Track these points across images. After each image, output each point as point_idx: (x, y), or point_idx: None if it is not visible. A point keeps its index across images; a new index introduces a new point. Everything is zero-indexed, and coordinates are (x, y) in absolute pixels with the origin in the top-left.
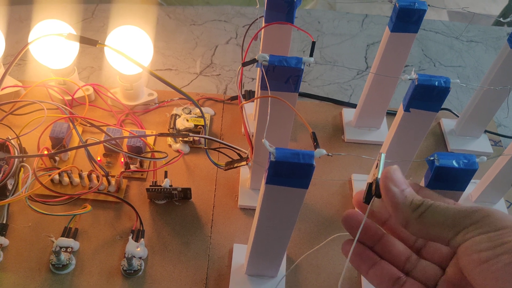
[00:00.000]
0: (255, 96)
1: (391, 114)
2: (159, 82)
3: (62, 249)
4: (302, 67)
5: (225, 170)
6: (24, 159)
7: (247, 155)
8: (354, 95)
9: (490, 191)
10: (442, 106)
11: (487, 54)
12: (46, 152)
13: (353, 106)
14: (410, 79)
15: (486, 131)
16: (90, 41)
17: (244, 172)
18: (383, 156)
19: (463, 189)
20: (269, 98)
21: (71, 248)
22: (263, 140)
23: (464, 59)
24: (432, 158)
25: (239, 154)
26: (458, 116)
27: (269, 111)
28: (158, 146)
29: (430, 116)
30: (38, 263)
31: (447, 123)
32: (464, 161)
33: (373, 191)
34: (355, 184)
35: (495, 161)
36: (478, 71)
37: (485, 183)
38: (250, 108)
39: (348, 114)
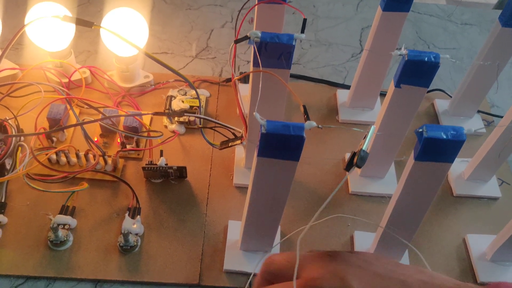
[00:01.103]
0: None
1: (385, 95)
2: (155, 65)
3: (59, 226)
4: (294, 43)
5: (220, 149)
6: (22, 138)
7: (241, 134)
8: (348, 77)
9: (481, 168)
10: (436, 87)
11: (481, 36)
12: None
13: (348, 87)
14: (400, 55)
15: (479, 111)
16: (86, 23)
17: (239, 151)
18: (372, 128)
19: (451, 161)
20: (261, 74)
21: (69, 225)
22: (254, 113)
23: (458, 41)
24: (420, 130)
25: (233, 134)
26: (451, 97)
27: (260, 85)
28: (154, 127)
29: (421, 92)
30: (36, 240)
31: (441, 104)
32: (452, 132)
33: (354, 161)
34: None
35: (486, 139)
36: (472, 53)
37: (476, 161)
38: (245, 90)
39: (343, 95)
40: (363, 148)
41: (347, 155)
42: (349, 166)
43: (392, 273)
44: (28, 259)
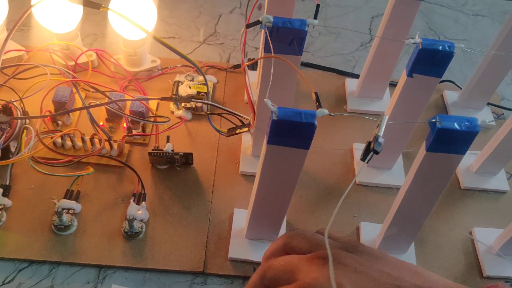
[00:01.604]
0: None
1: (394, 85)
2: (162, 50)
3: (64, 211)
4: (306, 29)
5: (227, 136)
6: (27, 121)
7: (249, 121)
8: (357, 67)
9: (490, 162)
10: (446, 78)
11: (493, 28)
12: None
13: (356, 76)
14: (414, 43)
15: (489, 104)
16: (94, 4)
17: (246, 139)
18: (385, 117)
19: (463, 152)
20: (272, 60)
21: (73, 210)
22: (265, 100)
23: (469, 33)
24: (434, 120)
25: (241, 121)
26: (461, 88)
27: (272, 71)
28: (160, 112)
29: (433, 82)
30: (40, 224)
31: (450, 95)
32: (466, 123)
33: (371, 146)
34: (357, 153)
35: (496, 132)
36: (483, 44)
37: (485, 154)
38: (253, 77)
39: (351, 85)
40: (379, 134)
41: (355, 145)
42: (366, 154)
43: (387, 278)
44: (32, 243)
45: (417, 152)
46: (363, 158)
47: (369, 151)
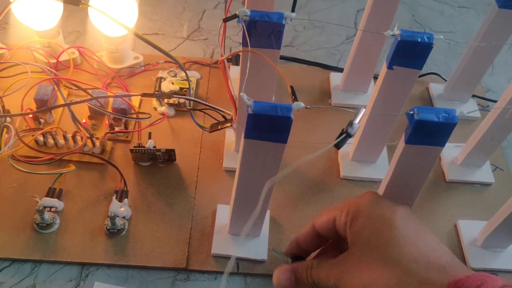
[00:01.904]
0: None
1: None
2: (145, 46)
3: (46, 209)
4: (284, 23)
5: (210, 132)
6: (8, 119)
7: (232, 117)
8: (342, 60)
9: (475, 154)
10: (431, 71)
11: (478, 20)
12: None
13: (341, 70)
14: (393, 35)
15: (474, 96)
16: (73, 1)
17: (229, 135)
18: (362, 109)
19: (442, 144)
20: (249, 54)
21: (55, 208)
22: (241, 94)
23: (454, 25)
24: (411, 112)
25: (223, 116)
26: (446, 81)
27: (248, 65)
28: (143, 109)
29: (414, 74)
30: (22, 222)
31: (435, 88)
32: (444, 115)
33: (345, 129)
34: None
35: (480, 124)
36: (468, 36)
37: (470, 146)
38: (236, 72)
39: (336, 79)
40: (354, 121)
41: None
42: (340, 142)
43: None
44: (14, 242)
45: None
46: (338, 145)
47: (342, 133)
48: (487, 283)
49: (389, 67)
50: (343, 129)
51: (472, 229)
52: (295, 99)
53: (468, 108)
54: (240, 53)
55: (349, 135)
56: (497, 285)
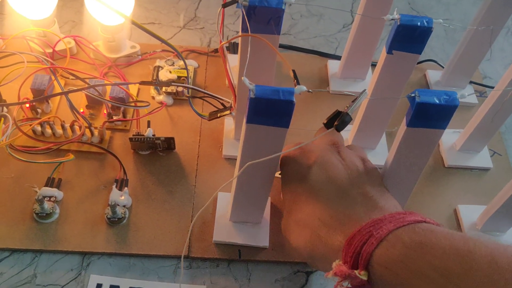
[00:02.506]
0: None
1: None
2: (142, 35)
3: (45, 199)
4: (283, 8)
5: (209, 120)
6: (5, 109)
7: (231, 104)
8: (339, 48)
9: (473, 139)
10: (428, 58)
11: (474, 7)
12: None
13: (339, 58)
14: (392, 19)
15: (471, 82)
16: None
17: (229, 122)
18: (365, 92)
19: (443, 127)
20: (250, 39)
21: (55, 197)
22: (242, 78)
23: (451, 12)
24: (413, 95)
25: (222, 104)
26: (443, 68)
27: (249, 50)
28: (141, 98)
29: (413, 58)
30: (22, 212)
31: (433, 74)
32: (445, 97)
33: (335, 122)
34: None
35: (478, 109)
36: (465, 23)
37: (468, 131)
38: (234, 60)
39: (334, 66)
40: (348, 111)
41: None
42: (329, 124)
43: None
44: (14, 232)
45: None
46: (327, 125)
47: (332, 124)
48: (376, 233)
49: (389, 51)
50: (338, 112)
51: (471, 214)
52: (298, 83)
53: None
54: (239, 40)
55: (337, 129)
56: (387, 230)
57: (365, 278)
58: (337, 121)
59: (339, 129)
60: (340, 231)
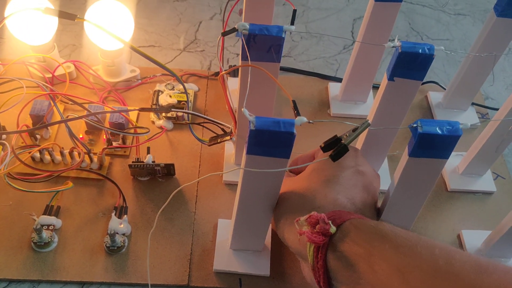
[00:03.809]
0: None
1: (378, 87)
2: (141, 59)
3: (44, 227)
4: (283, 36)
5: (209, 145)
6: (4, 136)
7: (231, 130)
8: (340, 70)
9: (476, 162)
10: (429, 79)
11: (474, 27)
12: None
13: (339, 80)
14: (393, 47)
15: (473, 104)
16: (69, 15)
17: (229, 147)
18: (367, 122)
19: (446, 157)
20: (250, 68)
21: (53, 225)
22: (242, 109)
23: (451, 32)
24: (415, 125)
25: (222, 129)
26: (445, 89)
27: (249, 80)
28: (141, 123)
29: (415, 85)
30: (19, 241)
31: (434, 96)
32: (448, 127)
33: (332, 151)
34: None
35: (481, 132)
36: (465, 44)
37: (471, 155)
38: (235, 84)
39: (334, 89)
40: (346, 143)
41: None
42: (326, 148)
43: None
44: (11, 262)
45: (402, 155)
46: (323, 149)
47: (328, 149)
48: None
49: (390, 78)
50: (337, 138)
51: (476, 239)
52: (298, 114)
53: (467, 116)
54: (239, 68)
55: (332, 159)
56: (346, 218)
57: (333, 231)
58: (334, 151)
59: (334, 159)
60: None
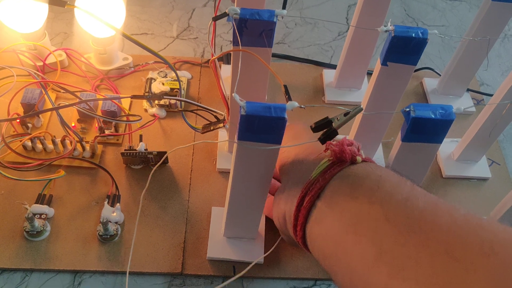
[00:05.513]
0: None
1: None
2: (134, 47)
3: (36, 216)
4: (275, 21)
5: (202, 133)
6: None
7: (224, 117)
8: (334, 56)
9: (471, 149)
10: (425, 65)
11: (470, 13)
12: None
13: (334, 67)
14: (386, 31)
15: (468, 90)
16: (59, 2)
17: (222, 135)
18: (359, 108)
19: (440, 141)
20: (241, 53)
21: (46, 214)
22: (233, 94)
23: (447, 19)
24: (408, 109)
25: (216, 117)
26: (440, 75)
27: (239, 65)
28: (133, 111)
29: (408, 70)
30: (12, 230)
31: (430, 83)
32: (441, 111)
33: (324, 132)
34: None
35: (476, 119)
36: (461, 30)
37: (466, 141)
38: (228, 71)
39: (329, 75)
40: (335, 126)
41: None
42: (316, 129)
43: None
44: (4, 251)
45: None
46: (314, 130)
47: (318, 129)
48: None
49: (383, 63)
50: (328, 120)
51: None
52: (289, 99)
53: (463, 102)
54: (231, 53)
55: (320, 141)
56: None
57: (359, 161)
58: (323, 134)
59: (322, 142)
60: None
